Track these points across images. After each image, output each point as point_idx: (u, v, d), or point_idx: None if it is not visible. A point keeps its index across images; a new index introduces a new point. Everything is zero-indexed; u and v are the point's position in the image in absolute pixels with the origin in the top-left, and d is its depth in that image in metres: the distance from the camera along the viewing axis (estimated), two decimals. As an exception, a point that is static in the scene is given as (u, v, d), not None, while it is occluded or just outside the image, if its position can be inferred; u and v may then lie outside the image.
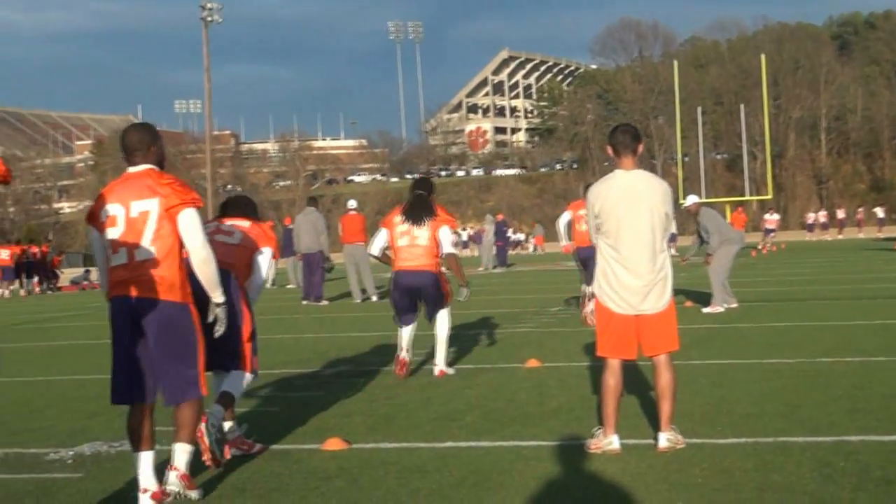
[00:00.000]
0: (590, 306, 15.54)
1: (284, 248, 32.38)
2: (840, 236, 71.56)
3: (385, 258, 12.47)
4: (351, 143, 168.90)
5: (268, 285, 8.91)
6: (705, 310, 18.53)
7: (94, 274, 51.99)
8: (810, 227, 74.39)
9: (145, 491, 6.51)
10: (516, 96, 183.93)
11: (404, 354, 11.91)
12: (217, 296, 6.84)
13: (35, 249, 46.31)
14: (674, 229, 10.28)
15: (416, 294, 11.98)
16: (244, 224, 8.29)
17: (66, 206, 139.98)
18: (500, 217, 47.31)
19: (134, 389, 6.59)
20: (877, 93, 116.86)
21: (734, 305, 18.88)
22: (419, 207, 11.98)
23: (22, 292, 42.85)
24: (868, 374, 10.65)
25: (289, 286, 33.99)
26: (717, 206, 59.52)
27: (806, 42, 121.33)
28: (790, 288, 24.22)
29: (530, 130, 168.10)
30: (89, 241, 6.98)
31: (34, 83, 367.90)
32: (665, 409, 7.47)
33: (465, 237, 77.22)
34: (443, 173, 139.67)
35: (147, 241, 6.52)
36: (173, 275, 6.54)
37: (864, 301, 19.63)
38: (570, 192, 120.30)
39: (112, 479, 7.31)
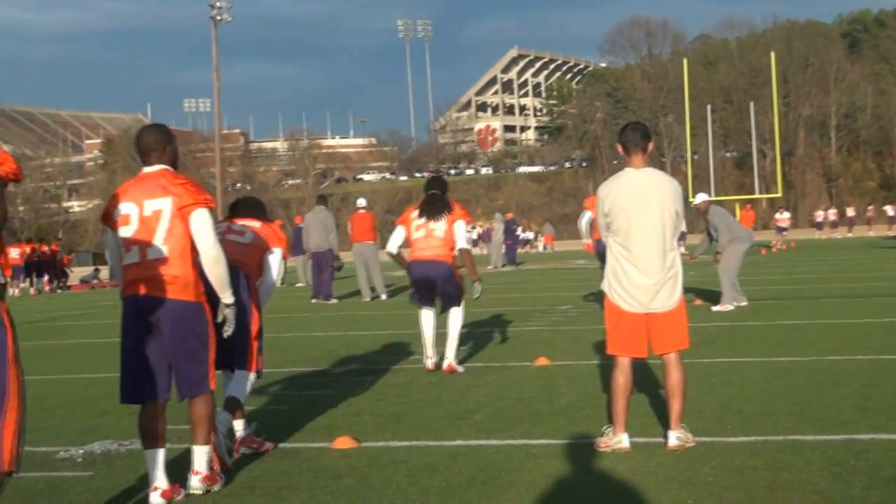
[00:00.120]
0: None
1: (294, 246, 32.41)
2: (850, 234, 71.43)
3: (400, 257, 12.56)
4: (360, 141, 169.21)
5: (277, 284, 8.93)
6: (715, 308, 18.51)
7: (104, 272, 52.07)
8: (819, 226, 74.28)
9: (156, 489, 6.53)
10: (525, 94, 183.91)
11: (431, 362, 12.16)
12: (227, 296, 6.87)
13: (45, 248, 46.35)
14: (683, 227, 10.30)
15: (430, 285, 12.13)
16: (255, 224, 8.30)
17: (75, 205, 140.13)
18: (509, 216, 47.31)
19: (145, 388, 6.61)
20: (887, 90, 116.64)
21: (744, 303, 18.84)
22: (435, 204, 12.19)
23: (32, 291, 42.90)
24: (878, 372, 10.63)
25: (298, 284, 34.04)
26: (727, 203, 59.47)
27: (816, 40, 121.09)
28: (800, 286, 24.18)
29: (539, 129, 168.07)
30: (105, 241, 7.02)
31: (44, 82, 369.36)
32: (675, 407, 7.46)
33: (474, 236, 77.21)
34: (452, 172, 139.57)
35: (160, 240, 6.55)
36: (187, 273, 6.58)
37: (873, 299, 19.59)
38: (579, 190, 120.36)
39: (122, 477, 7.31)
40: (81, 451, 8.28)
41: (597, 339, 13.46)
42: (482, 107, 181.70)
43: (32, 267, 43.73)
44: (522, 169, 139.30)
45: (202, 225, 6.63)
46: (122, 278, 6.72)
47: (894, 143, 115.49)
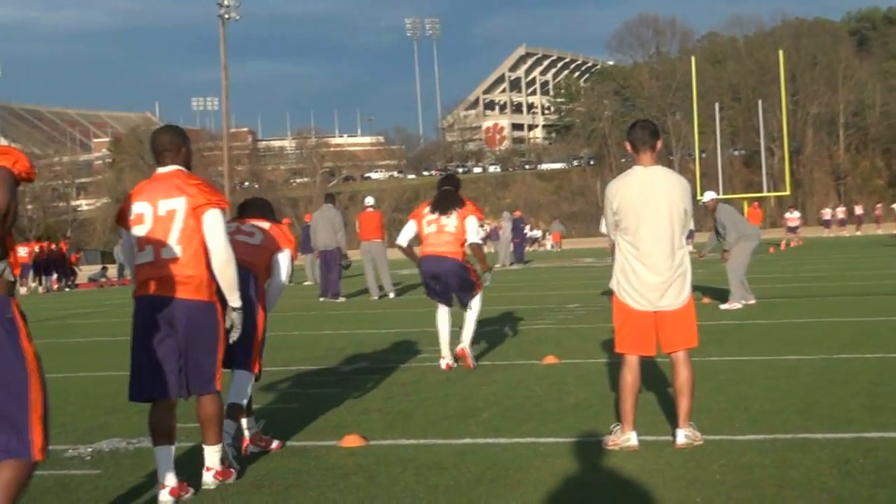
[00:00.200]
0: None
1: (303, 244, 32.42)
2: (858, 232, 71.31)
3: (410, 251, 12.65)
4: (368, 139, 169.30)
5: (285, 282, 9.01)
6: (723, 306, 18.49)
7: (112, 271, 52.18)
8: (827, 224, 74.14)
9: (164, 486, 6.55)
10: (533, 93, 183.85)
11: (445, 363, 12.23)
12: (234, 299, 6.88)
13: (52, 246, 46.38)
14: (691, 226, 10.29)
15: (440, 280, 12.21)
16: (264, 225, 8.30)
17: (83, 204, 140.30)
18: (517, 214, 47.30)
19: (155, 387, 6.64)
20: (895, 88, 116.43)
21: (752, 302, 18.83)
22: (447, 200, 12.30)
23: (40, 289, 42.95)
24: (887, 370, 10.62)
25: (306, 283, 34.06)
26: (735, 202, 59.40)
27: (824, 37, 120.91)
28: (808, 284, 24.15)
29: (547, 127, 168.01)
30: (122, 242, 7.05)
31: (52, 81, 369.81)
32: (683, 405, 7.45)
33: (482, 234, 76.99)
34: (460, 170, 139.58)
35: (174, 240, 6.60)
36: (200, 273, 6.63)
37: (882, 297, 19.56)
38: (587, 188, 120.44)
39: (130, 475, 7.33)
40: (90, 450, 8.29)
41: (605, 337, 13.46)
42: (490, 105, 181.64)
43: (41, 265, 43.77)
44: (544, 166, 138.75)
45: (214, 226, 6.67)
46: (134, 277, 6.75)
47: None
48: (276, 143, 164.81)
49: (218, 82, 75.67)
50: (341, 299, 25.50)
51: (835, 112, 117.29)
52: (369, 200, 27.92)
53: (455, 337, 12.38)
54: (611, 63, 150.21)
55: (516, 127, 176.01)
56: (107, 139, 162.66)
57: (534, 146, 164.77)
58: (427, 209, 12.41)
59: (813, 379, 10.24)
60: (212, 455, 6.88)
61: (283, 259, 8.18)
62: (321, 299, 25.70)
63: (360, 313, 21.61)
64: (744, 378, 10.47)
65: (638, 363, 7.56)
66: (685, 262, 7.55)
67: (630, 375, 7.51)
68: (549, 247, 76.03)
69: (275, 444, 8.05)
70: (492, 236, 56.50)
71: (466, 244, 12.28)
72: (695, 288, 7.90)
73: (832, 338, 13.55)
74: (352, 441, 8.00)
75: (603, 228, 18.91)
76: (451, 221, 12.14)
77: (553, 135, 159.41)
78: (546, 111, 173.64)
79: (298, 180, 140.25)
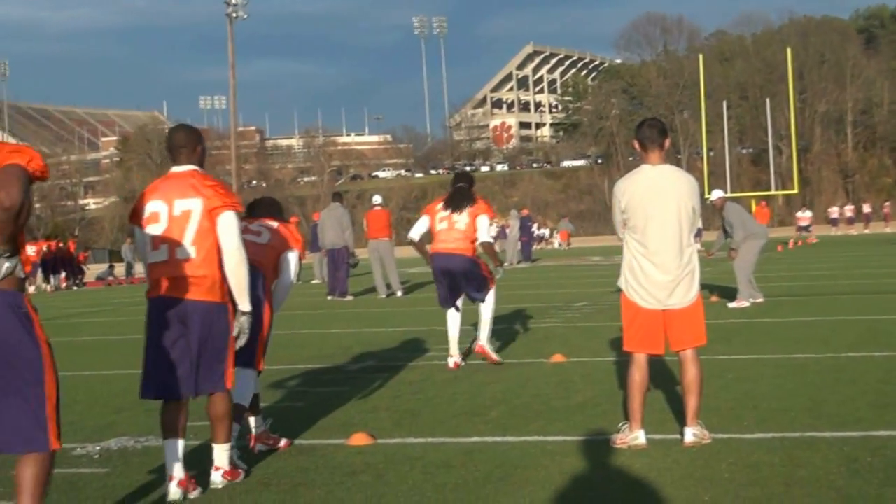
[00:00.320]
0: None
1: (311, 243, 32.43)
2: (866, 231, 71.19)
3: (421, 246, 12.78)
4: (375, 138, 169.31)
5: (293, 282, 9.04)
6: (731, 304, 18.48)
7: (119, 269, 52.22)
8: (834, 222, 74.01)
9: (172, 478, 6.61)
10: (541, 91, 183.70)
11: (454, 361, 12.28)
12: (244, 303, 6.88)
13: (59, 244, 46.38)
14: (700, 224, 10.29)
15: (451, 277, 12.29)
16: (272, 224, 8.31)
17: (91, 203, 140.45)
18: (524, 212, 47.26)
19: (168, 386, 6.69)
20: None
21: (760, 300, 18.82)
22: (460, 197, 12.41)
23: (49, 288, 43.00)
24: (894, 369, 10.60)
25: (314, 281, 34.06)
26: (743, 200, 59.32)
27: (832, 35, 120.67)
28: (816, 282, 24.14)
29: (555, 125, 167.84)
30: (135, 240, 7.07)
31: (60, 80, 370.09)
32: (691, 403, 7.45)
33: (493, 232, 76.86)
34: (467, 168, 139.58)
35: (189, 241, 6.65)
36: (213, 274, 6.68)
37: (890, 295, 19.54)
38: (594, 187, 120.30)
39: (138, 474, 7.34)
40: (98, 448, 8.31)
41: (612, 335, 13.46)
42: (497, 103, 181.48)
43: (49, 264, 43.81)
44: (567, 162, 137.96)
45: (229, 228, 6.72)
46: (148, 275, 6.79)
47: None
48: (284, 142, 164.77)
49: (225, 81, 75.73)
50: (349, 298, 25.51)
51: (843, 110, 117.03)
52: (377, 199, 27.92)
53: (465, 336, 12.39)
54: (618, 61, 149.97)
55: (524, 125, 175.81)
56: (115, 138, 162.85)
57: (541, 144, 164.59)
58: (440, 205, 12.50)
59: (821, 377, 10.23)
60: (221, 454, 6.89)
61: (291, 258, 8.19)
62: (329, 298, 25.70)
63: (367, 312, 21.62)
64: (752, 376, 10.46)
65: (646, 361, 7.56)
66: (693, 261, 7.55)
67: (638, 374, 7.51)
68: (556, 245, 76.02)
69: (283, 442, 8.05)
70: (499, 235, 56.49)
71: (478, 242, 12.36)
72: (703, 286, 7.91)
73: (840, 336, 13.54)
74: (360, 439, 8.01)
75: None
76: (462, 219, 12.23)
77: (561, 133, 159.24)
78: (553, 110, 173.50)
79: (306, 179, 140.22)
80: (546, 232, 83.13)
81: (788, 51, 72.04)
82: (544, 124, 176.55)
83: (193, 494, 6.63)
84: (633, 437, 7.42)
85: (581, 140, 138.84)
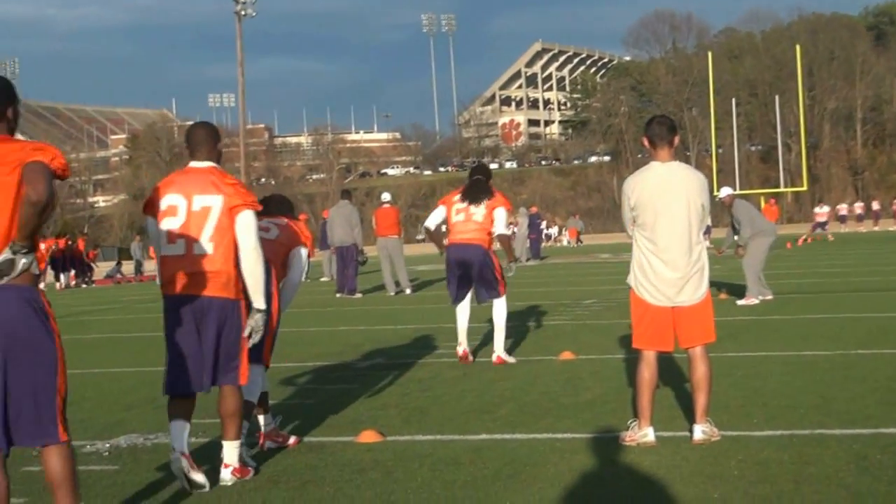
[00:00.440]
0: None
1: (320, 241, 32.44)
2: (875, 228, 71.06)
3: (436, 235, 12.92)
4: (384, 136, 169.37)
5: (302, 279, 9.06)
6: (740, 302, 18.46)
7: (127, 267, 52.25)
8: (842, 219, 73.85)
9: (175, 451, 6.72)
10: (549, 89, 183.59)
11: (462, 349, 12.43)
12: (259, 301, 6.92)
13: (69, 242, 46.41)
14: (709, 221, 10.28)
15: (466, 268, 12.33)
16: (281, 221, 8.32)
17: (100, 200, 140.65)
18: (533, 210, 47.23)
19: (190, 383, 6.79)
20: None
21: (769, 297, 18.80)
22: (478, 189, 12.43)
23: (58, 285, 43.05)
24: (905, 366, 10.59)
25: (323, 279, 34.06)
26: (752, 197, 59.24)
27: (841, 32, 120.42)
28: (825, 279, 24.11)
29: (564, 123, 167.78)
30: (147, 232, 7.09)
31: (69, 78, 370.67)
32: (700, 401, 7.45)
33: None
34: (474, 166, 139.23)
35: (206, 237, 6.72)
36: (229, 270, 6.75)
37: (900, 293, 19.51)
38: (603, 184, 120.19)
39: (148, 471, 7.35)
40: (108, 446, 8.32)
41: (621, 333, 13.45)
42: (506, 101, 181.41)
43: (59, 262, 43.87)
44: (594, 158, 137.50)
45: (248, 227, 6.80)
46: (161, 268, 6.83)
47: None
48: (293, 140, 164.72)
49: (234, 79, 75.55)
50: (358, 295, 25.52)
51: (852, 107, 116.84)
52: (385, 196, 27.94)
53: (474, 333, 12.38)
54: (627, 59, 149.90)
55: (532, 123, 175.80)
56: (124, 136, 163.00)
57: (550, 142, 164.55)
58: (457, 197, 12.53)
59: (830, 375, 10.22)
60: (231, 451, 6.91)
61: (300, 256, 8.20)
62: (338, 295, 25.71)
63: (376, 309, 21.62)
64: (761, 373, 10.45)
65: (655, 359, 7.56)
66: (703, 258, 7.54)
67: (647, 371, 7.51)
68: (565, 243, 75.95)
69: (292, 439, 8.06)
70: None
71: (494, 234, 12.40)
72: (712, 284, 7.89)
73: (849, 333, 13.52)
74: (368, 437, 8.01)
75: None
76: (479, 211, 12.27)
77: (570, 131, 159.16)
78: (562, 107, 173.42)
79: (315, 176, 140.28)
80: (555, 230, 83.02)
81: (798, 48, 71.85)
82: (553, 122, 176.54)
83: (197, 476, 6.69)
84: (643, 434, 7.42)
85: (590, 137, 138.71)
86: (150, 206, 6.93)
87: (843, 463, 6.62)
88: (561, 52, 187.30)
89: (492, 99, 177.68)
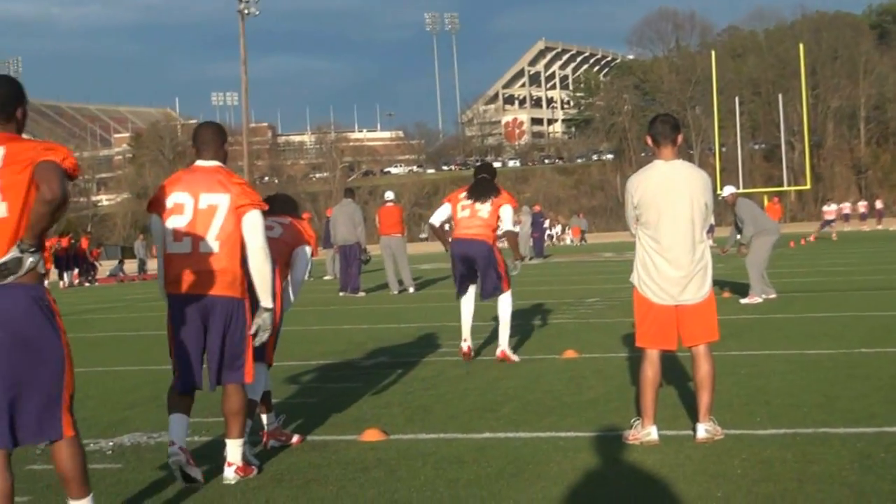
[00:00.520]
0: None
1: (324, 239, 32.44)
2: (879, 227, 71.00)
3: (441, 232, 13.05)
4: (387, 134, 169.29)
5: (305, 277, 9.10)
6: (743, 300, 18.45)
7: (131, 266, 52.24)
8: (846, 217, 73.76)
9: (174, 444, 6.76)
10: (553, 87, 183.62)
11: (466, 345, 12.44)
12: (267, 300, 6.95)
13: (72, 241, 46.43)
14: (712, 220, 10.25)
15: (470, 263, 12.37)
16: (284, 220, 8.32)
17: (104, 199, 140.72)
18: (536, 208, 47.21)
19: (196, 382, 6.86)
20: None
21: (772, 296, 18.80)
22: (484, 187, 12.49)
23: (61, 284, 43.07)
24: (908, 364, 10.59)
25: (326, 277, 34.04)
26: (755, 196, 59.20)
27: (845, 31, 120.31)
28: (829, 278, 24.09)
29: (567, 121, 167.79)
30: (151, 229, 7.10)
31: (72, 76, 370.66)
32: (704, 399, 7.44)
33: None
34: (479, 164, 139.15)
35: (213, 235, 6.75)
36: (235, 269, 6.78)
37: (904, 291, 19.50)
38: (606, 183, 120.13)
39: (151, 469, 7.35)
40: (111, 444, 8.33)
41: (624, 331, 13.46)
42: (509, 99, 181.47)
43: (62, 260, 43.89)
44: (610, 155, 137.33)
45: (255, 226, 6.82)
46: (166, 266, 6.86)
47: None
48: (296, 138, 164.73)
49: (237, 77, 75.94)
50: (361, 294, 25.52)
51: (855, 106, 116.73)
52: (389, 195, 27.95)
53: (479, 331, 12.38)
54: (630, 57, 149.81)
55: (536, 121, 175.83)
56: (127, 134, 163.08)
57: (553, 141, 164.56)
58: (463, 194, 12.58)
59: (834, 373, 10.22)
60: (234, 449, 6.91)
61: (304, 255, 8.20)
62: (341, 294, 25.71)
63: (379, 308, 21.63)
64: (764, 372, 10.45)
65: (658, 357, 7.55)
66: (706, 256, 7.54)
67: (651, 370, 7.50)
68: (568, 241, 75.95)
69: (295, 438, 8.07)
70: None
71: (501, 231, 12.52)
72: (715, 282, 7.89)
73: (853, 332, 13.51)
74: (372, 435, 8.01)
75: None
76: (484, 208, 12.32)
77: (573, 129, 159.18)
78: (566, 106, 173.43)
79: (318, 175, 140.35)
80: (558, 229, 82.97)
81: (801, 46, 71.89)
82: (556, 120, 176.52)
83: (195, 473, 6.75)
84: (646, 433, 7.41)
85: (593, 136, 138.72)
86: (155, 204, 6.93)
87: (847, 461, 6.62)
88: (564, 51, 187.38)
89: (495, 97, 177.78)
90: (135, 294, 33.08)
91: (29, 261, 4.98)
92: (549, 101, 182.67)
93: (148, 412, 9.67)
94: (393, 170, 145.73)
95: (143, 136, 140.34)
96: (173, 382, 6.93)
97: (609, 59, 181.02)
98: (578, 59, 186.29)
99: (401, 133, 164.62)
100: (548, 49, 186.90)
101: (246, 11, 76.15)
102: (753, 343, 12.90)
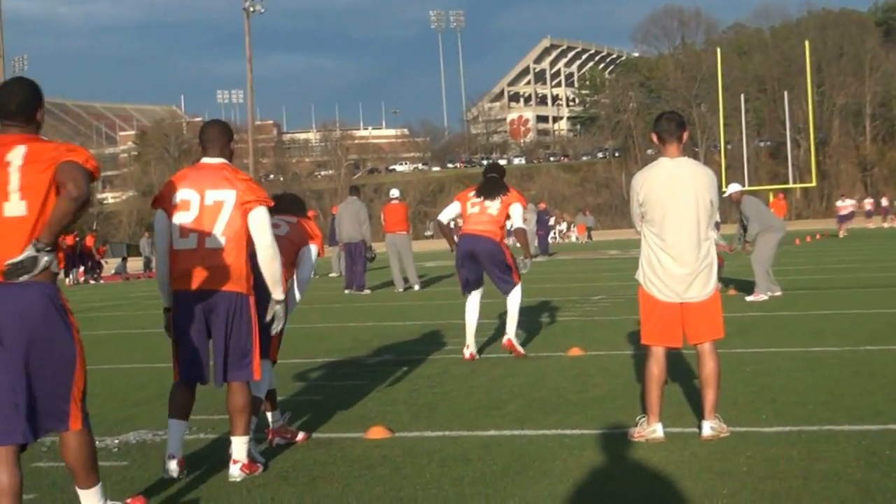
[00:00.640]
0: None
1: (329, 237, 32.46)
2: (885, 224, 70.88)
3: (449, 230, 13.11)
4: (392, 132, 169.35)
5: (311, 276, 9.14)
6: (749, 298, 18.44)
7: (135, 263, 52.26)
8: (851, 215, 73.53)
9: (172, 457, 6.81)
10: (558, 85, 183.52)
11: (468, 352, 12.38)
12: (278, 293, 7.02)
13: (77, 239, 46.42)
14: (718, 217, 10.25)
15: (474, 261, 12.36)
16: (291, 219, 8.33)
17: (109, 197, 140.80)
18: (541, 206, 47.19)
19: (201, 372, 6.91)
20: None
21: (778, 293, 18.79)
22: (494, 186, 12.52)
23: (67, 281, 43.10)
24: (914, 362, 10.58)
25: (331, 275, 34.06)
26: (761, 193, 59.10)
27: (850, 28, 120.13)
28: (834, 276, 24.07)
29: (572, 119, 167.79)
30: (156, 225, 7.11)
31: (78, 74, 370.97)
32: (709, 397, 7.44)
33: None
34: (484, 162, 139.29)
35: (219, 231, 6.77)
36: (240, 265, 6.80)
37: (909, 289, 19.48)
38: (612, 180, 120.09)
39: (157, 467, 7.34)
40: (117, 441, 8.34)
41: (630, 329, 13.45)
42: (515, 97, 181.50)
43: (67, 258, 43.88)
44: (616, 153, 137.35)
45: (262, 222, 6.85)
46: (171, 263, 6.88)
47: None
48: (301, 136, 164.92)
49: (243, 75, 75.80)
50: (366, 291, 25.52)
51: (861, 103, 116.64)
52: (394, 193, 27.94)
53: (483, 329, 12.39)
54: (636, 55, 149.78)
55: (541, 119, 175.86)
56: (132, 132, 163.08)
57: (559, 138, 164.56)
58: (472, 193, 12.61)
59: (839, 371, 10.21)
60: (239, 447, 6.92)
61: (310, 253, 8.21)
62: (346, 292, 25.71)
63: (384, 305, 21.63)
64: (769, 370, 10.45)
65: (664, 355, 7.55)
66: (711, 254, 7.54)
67: (656, 367, 7.50)
68: (573, 239, 75.92)
69: (300, 435, 8.07)
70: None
71: (511, 227, 12.58)
72: (720, 279, 7.89)
73: (858, 330, 13.50)
74: (377, 433, 8.02)
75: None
76: (494, 205, 12.34)
77: (578, 127, 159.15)
78: (571, 103, 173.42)
79: (323, 173, 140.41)
80: (563, 226, 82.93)
81: (807, 43, 71.64)
82: (561, 118, 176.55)
83: (171, 464, 6.82)
84: (651, 430, 7.41)
85: (598, 133, 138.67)
86: (161, 200, 6.95)
87: (852, 459, 6.62)
88: (569, 49, 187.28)
89: (500, 95, 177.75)
90: (140, 292, 33.09)
91: (44, 260, 5.05)
92: (555, 98, 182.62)
93: (154, 410, 9.66)
94: (398, 167, 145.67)
95: (148, 134, 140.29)
96: (175, 381, 6.95)
97: (614, 56, 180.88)
98: (584, 56, 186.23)
99: (406, 131, 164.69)
100: (553, 46, 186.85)
101: (251, 9, 76.18)
102: (759, 340, 12.90)
